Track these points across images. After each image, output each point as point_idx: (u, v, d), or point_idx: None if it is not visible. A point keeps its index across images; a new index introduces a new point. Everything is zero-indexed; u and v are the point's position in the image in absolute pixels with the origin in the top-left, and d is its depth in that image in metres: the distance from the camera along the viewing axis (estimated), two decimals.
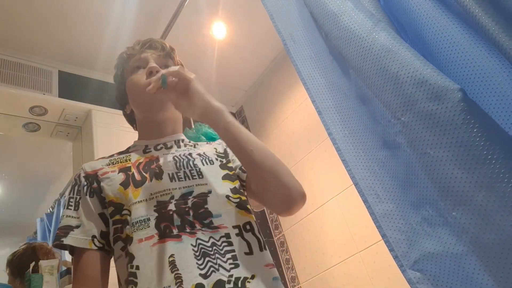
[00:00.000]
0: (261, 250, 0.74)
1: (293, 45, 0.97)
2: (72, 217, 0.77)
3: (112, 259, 0.77)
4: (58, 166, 2.41)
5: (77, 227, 0.76)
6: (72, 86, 2.23)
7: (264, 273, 0.71)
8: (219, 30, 2.24)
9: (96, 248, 0.74)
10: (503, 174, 0.57)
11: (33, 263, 1.62)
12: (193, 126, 1.68)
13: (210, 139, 1.51)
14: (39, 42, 2.09)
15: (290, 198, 0.75)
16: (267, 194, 0.78)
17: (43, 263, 1.63)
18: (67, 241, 0.74)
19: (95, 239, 0.75)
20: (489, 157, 0.58)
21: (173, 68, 0.80)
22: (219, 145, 0.93)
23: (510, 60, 0.62)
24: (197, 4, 2.02)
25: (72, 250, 0.76)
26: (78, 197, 0.79)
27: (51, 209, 2.32)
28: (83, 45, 2.17)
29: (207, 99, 0.77)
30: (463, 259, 0.61)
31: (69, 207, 0.79)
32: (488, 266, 0.58)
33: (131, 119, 0.97)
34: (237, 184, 0.83)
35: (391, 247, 0.72)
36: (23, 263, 1.60)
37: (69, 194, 0.81)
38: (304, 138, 2.29)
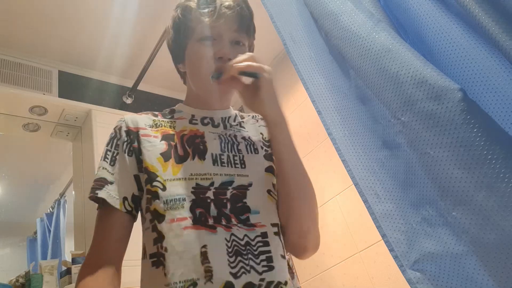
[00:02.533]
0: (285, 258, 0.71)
1: (293, 45, 0.97)
2: (108, 171, 0.73)
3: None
4: (58, 166, 2.41)
5: (111, 183, 0.72)
6: (72, 86, 2.23)
7: (294, 281, 0.68)
8: None
9: (125, 210, 0.71)
10: (503, 174, 0.57)
11: (33, 263, 1.62)
12: None
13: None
14: (39, 42, 2.09)
15: (304, 250, 0.75)
16: (287, 225, 0.73)
17: (43, 263, 1.63)
18: (101, 194, 0.70)
19: (126, 201, 0.71)
20: (489, 157, 0.58)
21: (252, 64, 0.72)
22: (266, 128, 0.84)
23: (510, 60, 0.62)
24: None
25: (102, 204, 0.73)
26: (116, 151, 0.75)
27: (51, 209, 2.32)
28: (83, 45, 2.17)
29: (279, 107, 0.73)
30: (463, 259, 0.61)
31: (106, 160, 0.75)
32: (488, 266, 0.58)
33: (182, 75, 0.90)
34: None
35: (391, 247, 0.72)
36: None
37: (107, 145, 0.77)
38: (304, 138, 2.29)
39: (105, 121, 2.00)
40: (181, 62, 0.85)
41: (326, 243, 2.04)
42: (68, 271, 1.58)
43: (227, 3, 0.77)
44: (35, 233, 2.32)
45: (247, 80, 0.74)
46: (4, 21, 1.93)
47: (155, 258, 0.66)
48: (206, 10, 0.77)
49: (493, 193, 0.57)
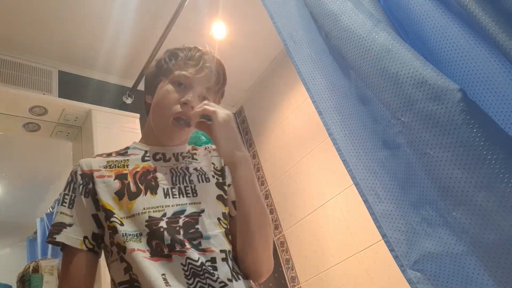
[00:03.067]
0: (241, 278, 0.76)
1: (293, 45, 0.97)
2: (66, 214, 0.78)
3: (104, 260, 0.79)
4: (58, 166, 2.40)
5: (70, 225, 0.77)
6: (72, 86, 2.23)
7: None
8: (219, 30, 2.24)
9: (86, 249, 0.76)
10: (503, 174, 0.57)
11: (33, 263, 1.63)
12: None
13: (209, 139, 1.51)
14: (39, 42, 2.09)
15: (259, 275, 0.80)
16: (244, 255, 0.79)
17: (43, 263, 1.63)
18: (59, 238, 0.75)
19: (86, 240, 0.76)
20: (489, 157, 0.58)
21: (207, 107, 0.79)
22: (217, 158, 0.93)
23: (510, 60, 0.62)
24: (197, 4, 2.02)
25: (63, 247, 0.78)
26: (74, 195, 0.80)
27: (51, 209, 2.32)
28: (83, 45, 2.17)
29: (234, 148, 0.77)
30: (463, 259, 0.61)
31: (64, 204, 0.80)
32: (488, 266, 0.58)
33: (147, 107, 0.95)
34: (227, 210, 0.84)
35: (391, 247, 0.72)
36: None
37: (65, 190, 0.82)
38: (304, 138, 2.29)
39: (105, 121, 2.00)
40: (150, 94, 0.92)
41: (326, 243, 2.04)
42: None
43: (208, 64, 0.87)
44: (35, 233, 2.32)
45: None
46: (4, 21, 1.93)
47: (126, 284, 0.71)
48: (190, 62, 0.87)
49: (493, 193, 0.57)
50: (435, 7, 0.71)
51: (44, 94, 2.06)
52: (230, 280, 0.72)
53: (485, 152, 0.58)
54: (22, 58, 2.10)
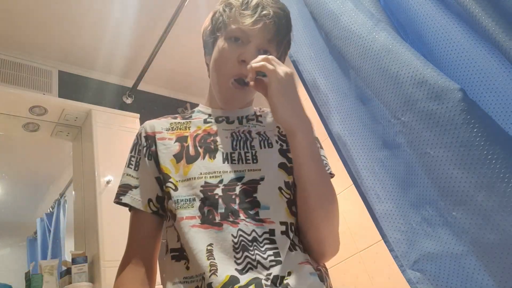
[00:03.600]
0: (298, 250, 0.69)
1: (293, 45, 0.97)
2: (132, 176, 0.78)
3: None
4: (58, 166, 2.40)
5: (136, 187, 0.77)
6: (72, 86, 2.23)
7: (298, 269, 0.66)
8: None
9: (150, 211, 0.75)
10: (503, 174, 0.57)
11: (33, 263, 1.63)
12: None
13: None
14: (39, 42, 2.09)
15: (321, 255, 0.72)
16: (305, 231, 0.72)
17: (43, 263, 1.63)
18: (125, 199, 0.76)
19: (150, 202, 0.76)
20: (489, 157, 0.58)
21: (266, 64, 0.69)
22: None
23: (510, 60, 0.62)
24: (197, 4, 2.02)
25: (130, 209, 0.78)
26: (139, 157, 0.79)
27: (51, 209, 2.32)
28: (83, 45, 2.17)
29: (293, 114, 0.69)
30: (463, 259, 0.61)
31: (130, 166, 0.79)
32: (488, 266, 0.58)
33: (208, 68, 0.88)
34: (291, 179, 0.75)
35: (391, 247, 0.72)
36: None
37: (130, 152, 0.82)
38: None
39: (105, 121, 2.00)
40: (208, 54, 0.85)
41: None
42: (68, 271, 1.58)
43: (266, 12, 0.75)
44: (35, 233, 2.32)
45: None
46: (4, 21, 1.93)
47: (176, 252, 0.70)
48: (245, 12, 0.76)
49: (493, 193, 0.57)
50: (435, 7, 0.71)
51: (44, 94, 2.06)
52: (291, 250, 0.67)
53: (485, 152, 0.58)
54: (22, 58, 2.10)
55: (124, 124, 2.03)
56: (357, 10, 0.79)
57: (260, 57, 0.71)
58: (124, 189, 0.77)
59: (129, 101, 2.38)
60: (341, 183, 2.04)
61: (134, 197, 0.76)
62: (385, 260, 1.74)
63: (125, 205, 0.77)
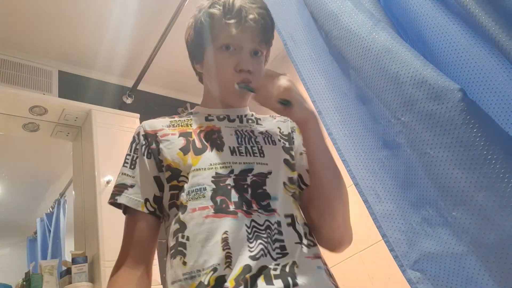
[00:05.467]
0: (307, 244, 0.71)
1: (293, 45, 0.97)
2: (128, 175, 0.76)
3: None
4: (58, 166, 2.41)
5: (132, 186, 0.75)
6: (72, 86, 2.23)
7: (306, 263, 0.68)
8: None
9: (147, 211, 0.73)
10: (503, 174, 0.57)
11: (33, 263, 1.63)
12: None
13: None
14: (39, 42, 2.09)
15: (340, 244, 0.77)
16: (322, 222, 0.75)
17: (43, 263, 1.63)
18: (121, 199, 0.73)
19: (148, 202, 0.74)
20: (489, 157, 0.58)
21: (268, 83, 0.73)
22: (284, 123, 0.88)
23: (510, 60, 0.62)
24: (197, 4, 2.02)
25: (125, 209, 0.75)
26: (136, 155, 0.78)
27: (51, 209, 2.32)
28: (83, 45, 2.17)
29: (307, 108, 0.73)
30: (463, 259, 0.61)
31: (125, 165, 0.78)
32: (488, 266, 0.58)
33: (198, 74, 0.90)
34: (295, 175, 0.79)
35: (391, 247, 0.72)
36: None
37: (128, 151, 0.80)
38: None
39: (105, 121, 2.00)
40: (198, 63, 0.86)
41: None
42: (68, 271, 1.58)
43: (251, 16, 0.76)
44: (35, 233, 2.32)
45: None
46: (4, 21, 1.93)
47: (172, 250, 0.68)
48: (230, 21, 0.76)
49: (493, 193, 0.57)
50: (435, 7, 0.71)
51: (44, 94, 2.06)
52: (297, 243, 0.69)
53: (485, 152, 0.58)
54: (22, 58, 2.10)
55: (124, 124, 2.03)
56: (357, 10, 0.79)
57: (278, 84, 0.72)
58: (119, 188, 0.75)
59: (129, 101, 2.38)
60: None
61: (130, 197, 0.74)
62: (385, 260, 1.74)
63: (119, 206, 0.75)
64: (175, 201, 0.72)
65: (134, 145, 0.79)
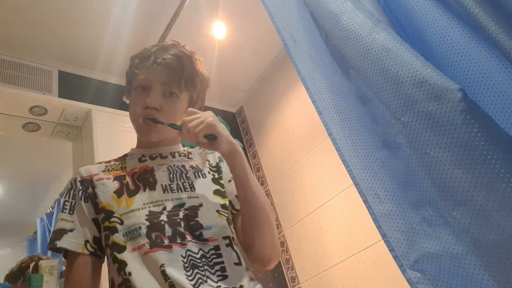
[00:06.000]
0: (242, 265, 0.77)
1: (293, 45, 0.97)
2: (67, 220, 0.79)
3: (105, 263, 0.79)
4: (58, 166, 2.41)
5: (71, 230, 0.78)
6: (72, 86, 2.23)
7: (250, 285, 0.74)
8: (219, 30, 2.24)
9: (88, 252, 0.76)
10: (503, 174, 0.57)
11: (33, 263, 1.62)
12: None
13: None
14: (39, 42, 2.09)
15: (269, 260, 0.82)
16: (251, 241, 0.81)
17: (43, 263, 1.63)
18: (60, 244, 0.76)
19: (87, 243, 0.77)
20: (489, 157, 0.58)
21: (192, 120, 0.77)
22: (211, 155, 0.94)
23: (510, 60, 0.62)
24: (197, 4, 2.02)
25: (66, 253, 0.78)
26: (74, 201, 0.81)
27: (51, 209, 2.32)
28: (83, 45, 2.17)
29: (231, 141, 0.78)
30: (463, 259, 0.61)
31: (64, 211, 0.81)
32: (488, 266, 0.58)
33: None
34: (227, 201, 0.86)
35: (391, 247, 0.72)
36: (23, 268, 1.59)
37: (65, 197, 0.83)
38: (304, 138, 2.29)
39: (105, 121, 2.00)
40: (128, 99, 0.94)
41: (326, 243, 2.04)
42: None
43: (159, 60, 0.85)
44: (35, 233, 2.32)
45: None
46: (4, 21, 1.93)
47: (123, 286, 0.71)
48: (144, 63, 0.87)
49: (493, 193, 0.57)
50: (435, 7, 0.71)
51: (44, 94, 2.06)
52: (237, 264, 0.74)
53: (485, 152, 0.58)
54: (22, 58, 2.10)
55: (124, 124, 2.02)
56: (357, 10, 0.79)
57: (193, 123, 0.76)
58: (59, 233, 0.77)
59: (128, 101, 2.38)
60: (341, 183, 2.05)
61: (70, 240, 0.76)
62: (385, 260, 1.74)
63: (59, 250, 0.77)
64: (107, 242, 0.76)
65: (72, 191, 0.83)
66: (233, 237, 0.79)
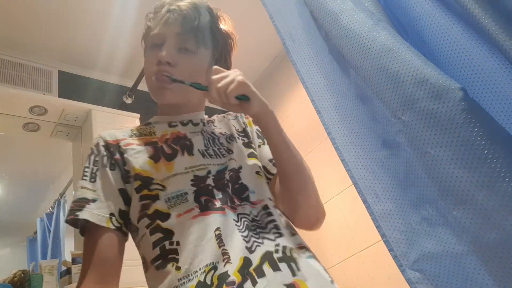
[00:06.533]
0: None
1: (293, 44, 0.97)
2: (89, 189, 0.69)
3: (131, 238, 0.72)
4: (58, 166, 2.40)
5: (94, 201, 0.67)
6: (72, 86, 2.23)
7: (299, 250, 0.68)
8: None
9: (114, 227, 0.66)
10: (504, 174, 0.57)
11: (33, 263, 1.62)
12: None
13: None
14: (39, 42, 2.09)
15: (317, 220, 0.79)
16: (297, 203, 0.76)
17: (43, 263, 1.63)
18: (83, 215, 0.65)
19: (113, 217, 0.67)
20: (490, 156, 0.58)
21: (221, 78, 0.68)
22: (234, 120, 0.89)
23: (510, 60, 0.62)
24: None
25: (84, 228, 0.68)
26: (95, 167, 0.71)
27: (51, 209, 2.32)
28: (83, 45, 2.17)
29: (264, 102, 0.72)
30: (463, 259, 0.61)
31: (84, 178, 0.70)
32: (488, 266, 0.58)
33: None
34: (261, 164, 0.82)
35: (391, 247, 0.71)
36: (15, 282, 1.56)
37: (85, 163, 0.73)
38: (304, 138, 2.29)
39: (105, 121, 2.00)
40: None
41: (326, 243, 2.04)
42: (68, 271, 1.58)
43: (172, 7, 0.76)
44: (35, 233, 2.32)
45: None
46: (4, 21, 1.93)
47: (159, 260, 0.64)
48: (156, 18, 0.78)
49: (494, 192, 0.57)
50: (435, 7, 0.71)
51: (44, 94, 2.06)
52: (285, 227, 0.70)
53: (486, 151, 0.58)
54: (22, 58, 2.10)
55: (124, 124, 2.03)
56: (357, 9, 0.79)
57: (223, 82, 0.68)
58: (80, 203, 0.66)
59: (129, 101, 2.38)
60: (341, 183, 2.05)
61: (93, 212, 0.66)
62: (385, 260, 1.74)
63: (76, 224, 0.68)
64: (146, 212, 0.67)
65: (93, 157, 0.73)
66: (273, 199, 0.76)
